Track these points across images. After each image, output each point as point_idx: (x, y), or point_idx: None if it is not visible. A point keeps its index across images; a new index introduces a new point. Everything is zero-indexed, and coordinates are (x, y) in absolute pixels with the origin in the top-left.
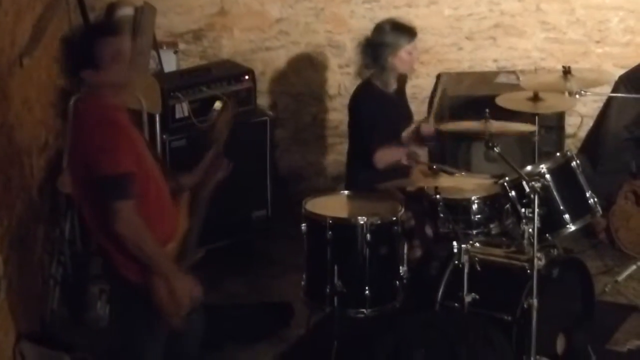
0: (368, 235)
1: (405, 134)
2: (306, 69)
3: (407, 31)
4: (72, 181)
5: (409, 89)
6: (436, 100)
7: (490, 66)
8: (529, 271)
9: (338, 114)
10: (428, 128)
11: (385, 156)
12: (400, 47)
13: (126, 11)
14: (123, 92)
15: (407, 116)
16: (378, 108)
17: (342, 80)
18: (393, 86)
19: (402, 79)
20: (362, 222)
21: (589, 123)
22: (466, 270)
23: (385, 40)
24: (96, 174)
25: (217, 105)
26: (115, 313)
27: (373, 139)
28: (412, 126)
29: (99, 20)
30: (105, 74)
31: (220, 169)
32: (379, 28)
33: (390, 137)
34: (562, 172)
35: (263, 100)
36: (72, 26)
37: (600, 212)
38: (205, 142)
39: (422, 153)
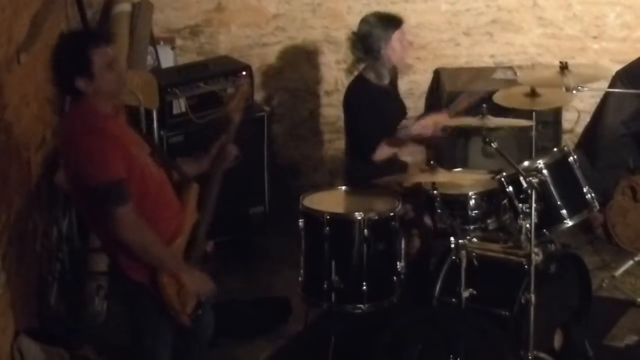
0: (365, 231)
1: (403, 129)
2: (303, 65)
3: (393, 19)
4: (68, 185)
5: (405, 85)
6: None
7: (487, 62)
8: (526, 266)
9: (335, 110)
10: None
11: (384, 152)
12: (390, 37)
13: (123, 7)
14: (113, 101)
15: (401, 109)
16: (373, 103)
17: (338, 75)
18: (386, 79)
19: (394, 72)
20: (359, 218)
21: (586, 118)
22: (463, 266)
23: (374, 31)
24: (89, 184)
25: (229, 91)
26: (124, 312)
27: (370, 136)
28: (411, 121)
29: (91, 29)
30: (98, 83)
31: (228, 157)
32: (366, 21)
33: (386, 130)
34: (559, 168)
35: (260, 96)
36: (70, 22)
37: (598, 207)
38: (217, 128)
39: (420, 150)
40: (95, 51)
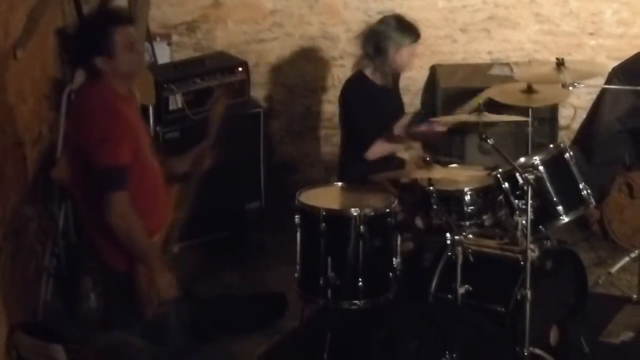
0: (361, 227)
1: (400, 127)
2: (300, 61)
3: (413, 32)
4: (68, 166)
5: (402, 81)
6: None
7: (484, 58)
8: (522, 263)
9: (332, 106)
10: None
11: (378, 151)
12: (403, 46)
13: (120, 3)
14: (130, 82)
15: (399, 109)
16: (368, 101)
17: (335, 72)
18: (387, 78)
19: (397, 73)
20: (355, 214)
21: (582, 115)
22: (459, 262)
23: (391, 34)
24: (95, 164)
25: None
26: (105, 300)
27: (365, 133)
28: (406, 119)
29: (115, 8)
30: (117, 62)
31: (206, 160)
32: (387, 21)
33: (381, 129)
34: (555, 164)
35: (257, 92)
36: (66, 18)
37: (594, 203)
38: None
39: (416, 146)
40: (118, 31)
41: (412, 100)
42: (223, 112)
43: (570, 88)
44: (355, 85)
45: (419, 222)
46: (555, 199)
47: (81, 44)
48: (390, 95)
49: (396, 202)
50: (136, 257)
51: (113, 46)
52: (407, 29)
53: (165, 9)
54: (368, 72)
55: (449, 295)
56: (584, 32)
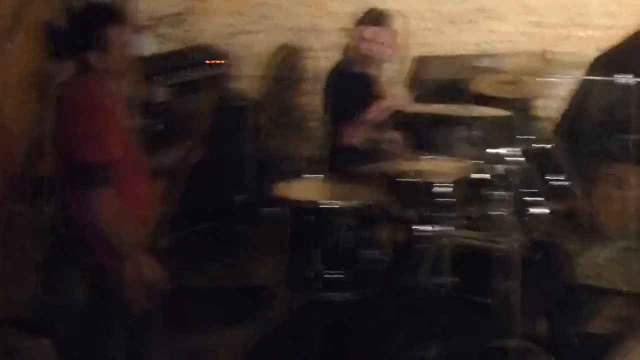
0: (349, 219)
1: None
2: (287, 53)
3: (366, 15)
4: (55, 160)
5: (389, 72)
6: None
7: (471, 50)
8: (509, 254)
9: (318, 98)
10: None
11: (357, 131)
12: (356, 28)
13: None
14: (118, 79)
15: (380, 97)
16: (347, 88)
17: (322, 64)
18: (364, 66)
19: (377, 61)
20: (343, 206)
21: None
22: (446, 254)
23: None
24: (79, 160)
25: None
26: (87, 293)
27: (347, 121)
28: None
29: (112, 5)
30: (109, 59)
31: (193, 154)
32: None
33: (360, 117)
34: (541, 155)
35: (244, 84)
36: (54, 11)
37: (581, 195)
38: (186, 127)
39: (398, 138)
40: (115, 28)
41: (399, 92)
42: (211, 107)
43: (557, 79)
44: (331, 74)
45: (412, 214)
46: (541, 190)
47: (75, 35)
48: (368, 82)
49: (384, 194)
50: (121, 251)
51: (108, 42)
52: (365, 14)
53: (151, 1)
54: (349, 60)
55: (436, 288)
56: (572, 23)
